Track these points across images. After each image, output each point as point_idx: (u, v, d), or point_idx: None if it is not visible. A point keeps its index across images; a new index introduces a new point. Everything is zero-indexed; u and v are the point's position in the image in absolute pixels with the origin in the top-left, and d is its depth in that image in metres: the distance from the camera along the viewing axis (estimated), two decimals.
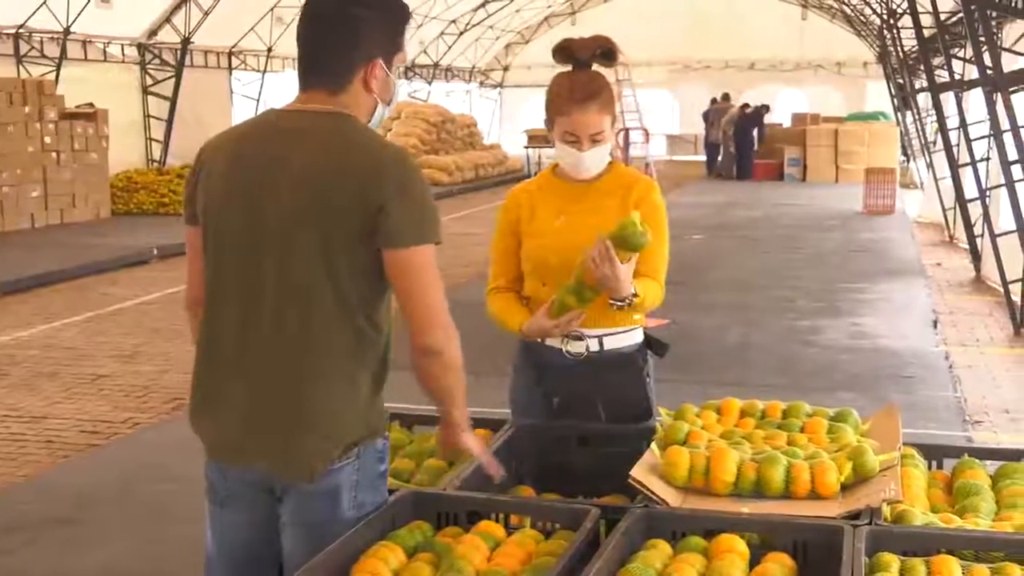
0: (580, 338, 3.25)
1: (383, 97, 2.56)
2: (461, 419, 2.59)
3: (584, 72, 3.25)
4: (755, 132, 25.03)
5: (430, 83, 31.79)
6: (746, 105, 25.67)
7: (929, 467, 3.01)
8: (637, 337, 3.33)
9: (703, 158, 27.96)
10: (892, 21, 18.96)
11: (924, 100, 19.58)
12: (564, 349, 3.27)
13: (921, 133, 20.73)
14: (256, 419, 2.46)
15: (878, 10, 21.13)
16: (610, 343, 3.27)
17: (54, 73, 17.21)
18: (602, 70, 3.30)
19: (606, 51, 3.27)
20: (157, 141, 20.44)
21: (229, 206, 2.48)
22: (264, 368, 2.45)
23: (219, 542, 2.61)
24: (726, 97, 27.06)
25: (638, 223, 3.00)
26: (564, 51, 3.28)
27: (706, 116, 27.23)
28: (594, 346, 3.25)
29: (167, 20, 19.86)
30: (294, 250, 2.41)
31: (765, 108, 25.77)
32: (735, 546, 2.38)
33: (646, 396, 3.34)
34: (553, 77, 3.28)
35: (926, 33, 13.22)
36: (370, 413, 2.50)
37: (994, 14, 10.01)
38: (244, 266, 2.46)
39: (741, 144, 25.03)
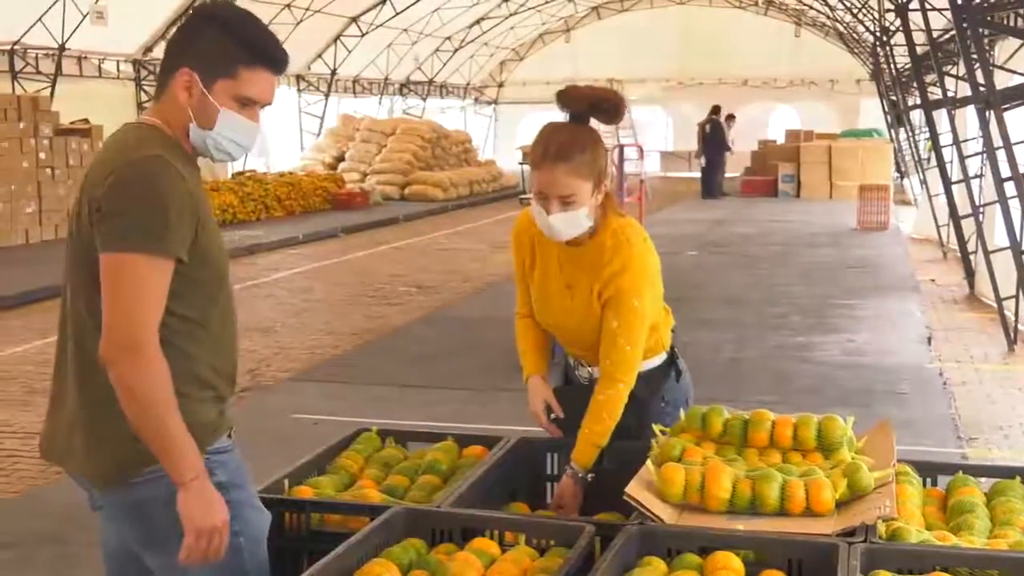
0: (584, 366, 3.25)
1: (200, 118, 2.35)
2: (174, 471, 2.27)
3: (568, 128, 2.94)
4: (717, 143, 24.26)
5: (425, 100, 31.91)
6: (715, 110, 25.19)
7: (924, 484, 3.01)
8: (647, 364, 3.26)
9: (697, 174, 27.95)
10: (885, 39, 19.05)
11: (917, 117, 19.66)
12: (575, 372, 3.29)
13: (915, 150, 20.80)
14: (65, 437, 2.45)
15: (871, 27, 21.22)
16: None
17: (49, 89, 17.23)
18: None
19: (597, 104, 2.93)
20: None
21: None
22: (66, 385, 2.44)
23: (102, 547, 2.63)
24: (715, 111, 26.97)
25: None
26: (561, 99, 2.97)
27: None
28: (596, 373, 3.18)
29: (162, 36, 19.85)
30: (72, 266, 2.39)
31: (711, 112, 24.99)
32: (730, 563, 2.37)
33: (648, 424, 3.16)
34: (543, 125, 3.02)
35: (919, 51, 13.27)
36: None
37: (986, 32, 10.05)
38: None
39: (709, 158, 24.55)
